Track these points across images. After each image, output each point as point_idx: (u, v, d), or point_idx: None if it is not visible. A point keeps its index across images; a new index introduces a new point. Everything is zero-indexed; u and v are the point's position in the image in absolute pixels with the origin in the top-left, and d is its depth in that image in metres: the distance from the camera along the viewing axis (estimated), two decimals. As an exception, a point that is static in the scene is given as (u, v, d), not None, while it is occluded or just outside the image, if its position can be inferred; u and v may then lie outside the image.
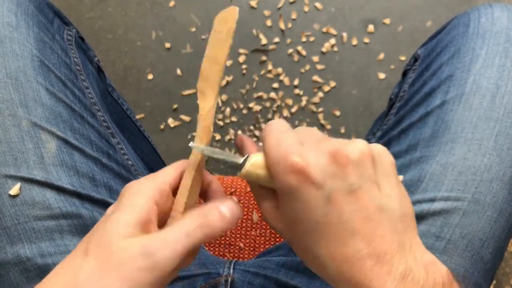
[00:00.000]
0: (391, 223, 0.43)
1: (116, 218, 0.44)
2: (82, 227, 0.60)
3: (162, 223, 0.48)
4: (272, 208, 0.48)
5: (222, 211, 0.46)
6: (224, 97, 1.48)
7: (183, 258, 0.43)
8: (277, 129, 0.46)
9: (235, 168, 0.47)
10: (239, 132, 1.47)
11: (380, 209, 0.43)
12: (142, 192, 0.46)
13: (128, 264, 0.41)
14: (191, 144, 0.48)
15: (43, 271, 0.58)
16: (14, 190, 0.58)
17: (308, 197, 0.42)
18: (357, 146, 0.44)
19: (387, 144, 0.70)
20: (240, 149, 0.52)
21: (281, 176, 0.43)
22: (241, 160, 0.47)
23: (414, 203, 0.61)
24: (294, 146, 0.43)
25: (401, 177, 0.51)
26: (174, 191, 0.49)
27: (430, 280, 0.42)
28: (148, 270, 0.41)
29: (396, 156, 0.66)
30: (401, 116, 0.70)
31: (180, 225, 0.44)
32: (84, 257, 0.42)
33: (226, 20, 0.49)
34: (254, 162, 0.46)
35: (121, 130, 0.76)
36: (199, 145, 0.48)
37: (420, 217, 0.60)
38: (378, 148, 0.46)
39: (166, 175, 0.48)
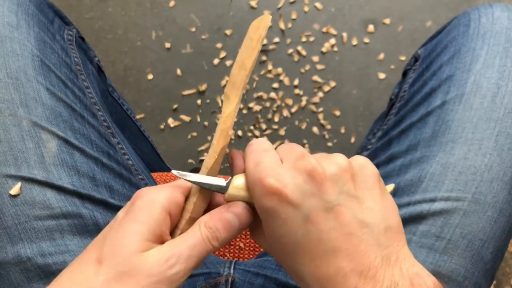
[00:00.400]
0: (374, 237, 0.43)
1: (131, 229, 0.44)
2: (83, 227, 0.60)
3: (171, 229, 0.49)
4: (257, 227, 0.48)
5: (229, 219, 0.46)
6: (224, 97, 1.48)
7: (196, 267, 0.45)
8: (256, 150, 0.46)
9: (219, 192, 0.48)
10: (239, 132, 1.47)
11: (361, 224, 0.43)
12: (157, 203, 0.46)
13: (147, 278, 0.42)
14: (173, 171, 0.49)
15: (43, 270, 0.58)
16: (14, 190, 0.58)
17: (286, 217, 0.43)
18: (335, 161, 0.44)
19: (388, 144, 0.70)
20: (230, 166, 0.52)
21: (259, 198, 0.44)
22: (224, 183, 0.48)
23: (414, 203, 0.61)
24: (271, 167, 0.44)
25: (391, 187, 0.51)
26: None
27: None
28: (166, 283, 0.43)
29: (396, 156, 0.66)
30: (401, 116, 0.70)
31: (193, 237, 0.45)
32: (97, 265, 0.43)
33: (258, 27, 0.49)
34: (236, 184, 0.47)
35: (122, 130, 0.76)
36: (181, 172, 0.48)
37: (420, 217, 0.60)
38: (359, 161, 0.46)
39: (182, 185, 0.49)
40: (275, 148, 0.47)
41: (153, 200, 0.46)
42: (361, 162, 0.46)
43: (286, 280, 0.68)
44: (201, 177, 0.48)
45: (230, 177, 0.48)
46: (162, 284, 0.43)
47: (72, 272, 0.44)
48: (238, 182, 0.47)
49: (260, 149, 0.46)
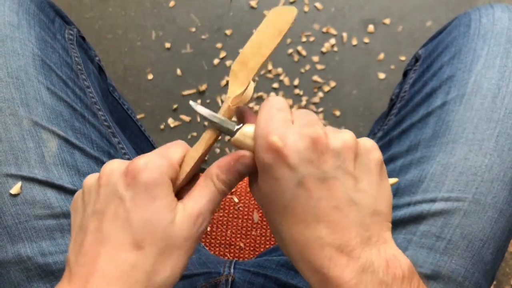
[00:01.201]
0: (359, 217, 0.44)
1: (155, 206, 0.44)
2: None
3: None
4: (255, 179, 0.48)
5: (240, 170, 0.47)
6: (224, 96, 1.48)
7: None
8: (272, 106, 0.46)
9: (227, 134, 0.49)
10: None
11: (351, 202, 0.43)
12: (165, 173, 0.46)
13: (186, 242, 0.45)
14: (191, 102, 0.49)
15: (43, 270, 0.58)
16: (15, 189, 0.58)
17: (280, 177, 0.43)
18: (342, 137, 0.44)
19: (388, 145, 0.70)
20: (238, 119, 0.52)
21: (259, 151, 0.44)
22: (235, 127, 0.48)
23: (415, 203, 0.61)
24: (279, 126, 0.44)
25: (393, 180, 0.51)
26: None
27: (390, 274, 0.43)
28: (198, 239, 0.46)
29: (396, 156, 0.66)
30: (402, 116, 0.70)
31: (210, 191, 0.47)
32: (138, 249, 0.43)
33: (281, 17, 0.49)
34: (245, 131, 0.47)
35: (122, 129, 0.76)
36: (197, 105, 0.49)
37: (420, 218, 0.60)
38: (366, 143, 0.46)
39: (176, 154, 0.48)
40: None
41: (158, 170, 0.45)
42: (368, 145, 0.46)
43: (286, 280, 0.68)
44: (214, 116, 0.49)
45: (242, 124, 0.48)
46: (196, 240, 0.46)
47: (111, 264, 0.43)
48: (247, 130, 0.47)
49: (274, 106, 0.46)
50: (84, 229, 0.46)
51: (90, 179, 0.48)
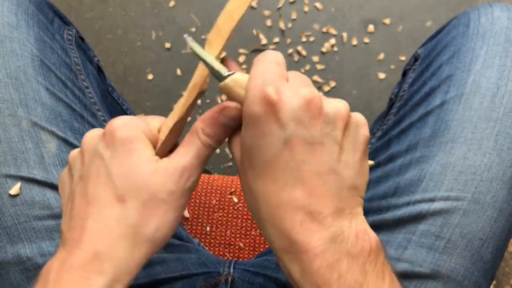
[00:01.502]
0: (337, 187, 0.43)
1: (134, 159, 0.45)
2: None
3: None
4: (236, 134, 0.48)
5: (224, 123, 0.46)
6: (224, 97, 1.48)
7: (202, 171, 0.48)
8: (270, 59, 0.45)
9: (217, 79, 0.47)
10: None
11: (332, 171, 0.43)
12: (141, 130, 0.46)
13: (171, 195, 0.45)
14: (185, 36, 0.48)
15: (43, 270, 0.58)
16: (14, 190, 0.58)
17: (267, 132, 0.42)
18: (336, 105, 0.44)
19: (387, 144, 0.70)
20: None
21: (251, 101, 0.43)
22: (226, 73, 0.46)
23: (414, 203, 0.61)
24: (276, 79, 0.43)
25: (370, 162, 0.51)
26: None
27: (358, 246, 0.42)
28: (186, 194, 0.46)
29: (396, 156, 0.66)
30: (401, 116, 0.70)
31: (196, 146, 0.46)
32: (121, 203, 0.44)
33: None
34: (236, 78, 0.46)
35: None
36: (192, 41, 0.48)
37: (420, 217, 0.60)
38: (358, 118, 0.46)
39: (154, 120, 0.49)
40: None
41: (134, 127, 0.46)
42: (359, 120, 0.46)
43: (286, 280, 0.68)
44: (207, 55, 0.47)
45: (232, 72, 0.47)
46: (184, 196, 0.46)
47: (97, 221, 0.44)
48: (239, 77, 0.46)
49: (273, 60, 0.45)
50: (72, 197, 0.47)
51: (73, 153, 0.49)
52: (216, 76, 0.46)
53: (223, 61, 0.48)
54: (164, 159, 0.46)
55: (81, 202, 0.45)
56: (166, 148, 0.49)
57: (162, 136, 0.48)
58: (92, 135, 0.47)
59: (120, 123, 0.46)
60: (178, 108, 0.48)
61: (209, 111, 0.46)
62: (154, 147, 0.47)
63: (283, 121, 0.42)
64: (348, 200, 0.44)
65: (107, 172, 0.45)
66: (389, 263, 0.46)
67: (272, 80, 0.43)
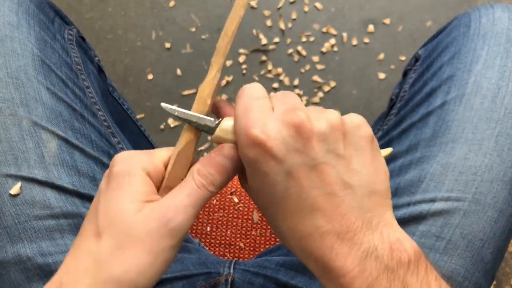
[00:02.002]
0: (357, 200, 0.42)
1: (119, 195, 0.43)
2: (83, 227, 0.60)
3: None
4: (244, 176, 0.47)
5: (220, 162, 0.45)
6: (224, 97, 1.48)
7: (195, 217, 0.45)
8: (248, 95, 0.44)
9: (207, 133, 0.47)
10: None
11: (345, 186, 0.42)
12: (136, 163, 0.45)
13: (150, 236, 0.42)
14: (162, 104, 0.48)
15: (43, 270, 0.58)
16: (14, 190, 0.58)
17: (267, 170, 0.42)
18: (327, 118, 0.42)
19: (388, 144, 0.70)
20: (216, 115, 0.51)
21: (242, 147, 0.43)
22: (213, 124, 0.46)
23: (415, 203, 0.61)
24: (258, 117, 0.42)
25: (387, 150, 0.49)
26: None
27: (395, 258, 0.41)
28: (169, 236, 0.43)
29: (396, 156, 0.66)
30: (401, 116, 0.70)
31: (188, 186, 0.44)
32: (97, 238, 0.42)
33: (239, 3, 0.47)
34: (224, 127, 0.46)
35: (122, 129, 0.76)
36: (171, 106, 0.48)
37: (420, 218, 0.60)
38: (354, 120, 0.44)
39: (161, 152, 0.48)
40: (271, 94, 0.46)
41: (132, 161, 0.45)
42: (355, 121, 0.44)
43: (286, 280, 0.68)
44: (190, 114, 0.47)
45: (220, 119, 0.47)
46: (165, 238, 0.42)
47: (74, 253, 0.43)
48: (227, 124, 0.46)
49: (251, 96, 0.44)
50: None
51: None
52: (205, 130, 0.47)
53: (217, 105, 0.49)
54: (155, 198, 0.45)
55: (80, 230, 0.46)
56: (175, 182, 0.47)
57: (169, 170, 0.47)
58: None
59: (120, 157, 0.46)
60: (184, 140, 0.48)
61: (209, 153, 0.46)
62: (159, 178, 0.47)
63: (279, 156, 0.41)
64: (372, 209, 0.43)
65: (96, 205, 0.44)
66: (434, 268, 0.44)
67: (255, 119, 0.42)
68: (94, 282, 0.41)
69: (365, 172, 0.43)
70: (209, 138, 1.46)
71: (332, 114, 0.43)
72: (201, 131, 0.47)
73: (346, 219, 0.41)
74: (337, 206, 0.41)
